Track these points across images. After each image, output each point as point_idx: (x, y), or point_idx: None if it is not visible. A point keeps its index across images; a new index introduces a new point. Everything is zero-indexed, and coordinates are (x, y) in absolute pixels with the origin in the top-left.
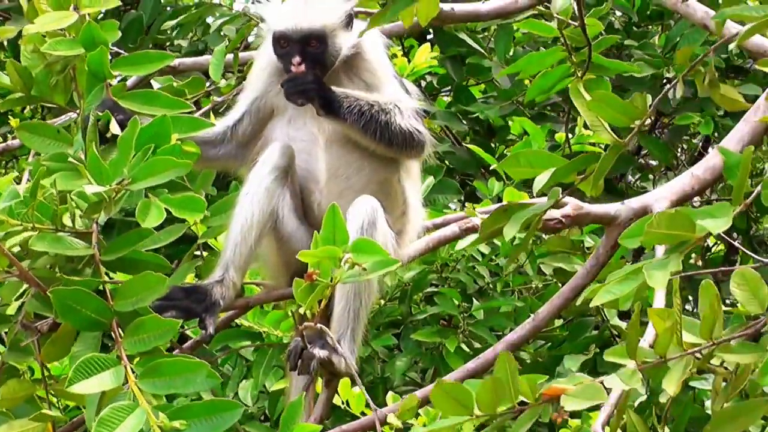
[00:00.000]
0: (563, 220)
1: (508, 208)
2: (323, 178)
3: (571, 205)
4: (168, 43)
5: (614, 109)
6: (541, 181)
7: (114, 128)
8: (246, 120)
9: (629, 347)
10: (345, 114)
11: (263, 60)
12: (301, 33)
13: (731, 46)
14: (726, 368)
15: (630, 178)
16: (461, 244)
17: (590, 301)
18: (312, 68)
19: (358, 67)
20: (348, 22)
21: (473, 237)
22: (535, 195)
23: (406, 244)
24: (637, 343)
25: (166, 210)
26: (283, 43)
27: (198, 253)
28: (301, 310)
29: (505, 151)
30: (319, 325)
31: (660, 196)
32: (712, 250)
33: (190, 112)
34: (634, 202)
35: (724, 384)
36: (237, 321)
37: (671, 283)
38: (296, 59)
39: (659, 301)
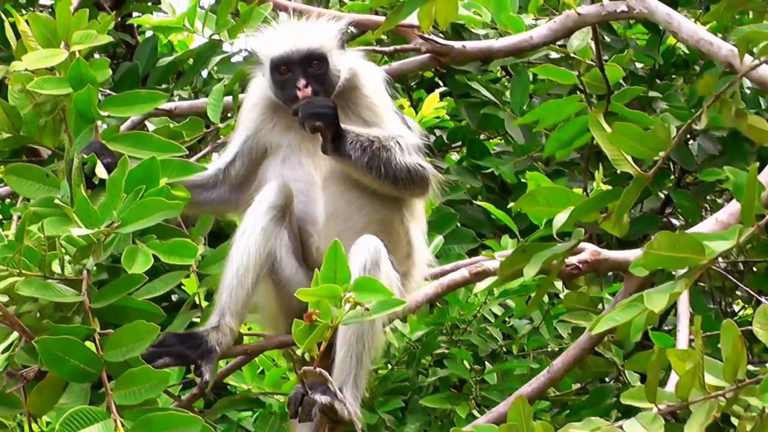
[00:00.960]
0: (580, 266)
1: (527, 249)
2: (321, 220)
3: (589, 250)
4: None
5: (636, 141)
6: (560, 220)
7: (100, 172)
8: (238, 161)
9: (648, 390)
10: (349, 150)
11: (254, 97)
12: (302, 54)
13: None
14: (751, 413)
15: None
16: (479, 287)
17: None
18: (317, 91)
19: (356, 104)
20: (342, 42)
21: (490, 280)
22: (554, 235)
23: (412, 288)
24: (656, 385)
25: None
26: (284, 69)
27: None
28: (299, 352)
29: (520, 210)
30: (318, 370)
31: None
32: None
33: (185, 156)
34: None
35: (749, 430)
36: (234, 383)
37: (695, 321)
38: (301, 82)
39: (682, 341)
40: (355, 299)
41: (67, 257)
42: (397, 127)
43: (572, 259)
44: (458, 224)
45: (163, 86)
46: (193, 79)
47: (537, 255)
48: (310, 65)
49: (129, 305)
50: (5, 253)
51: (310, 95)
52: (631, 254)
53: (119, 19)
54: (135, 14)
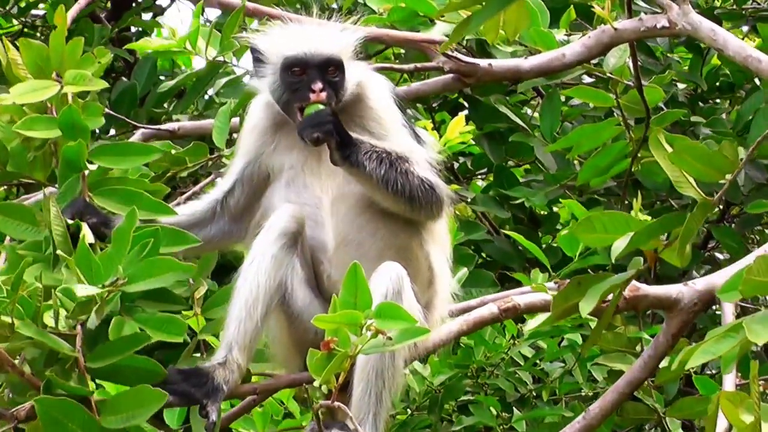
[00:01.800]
0: (618, 303)
1: (582, 282)
2: (331, 246)
3: (629, 286)
4: (164, 117)
5: (701, 162)
6: (618, 247)
7: (86, 237)
8: (238, 190)
9: None
10: (364, 160)
11: (253, 118)
12: (322, 58)
13: None
14: None
15: (695, 274)
16: (531, 324)
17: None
18: (330, 98)
19: (361, 116)
20: (356, 54)
21: (541, 318)
22: (613, 261)
23: (435, 322)
24: None
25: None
26: (298, 71)
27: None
28: (316, 384)
29: (552, 242)
30: (336, 404)
31: (729, 276)
32: None
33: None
34: (699, 283)
35: None
36: (243, 431)
37: (750, 365)
38: (317, 85)
39: (729, 382)
40: (377, 327)
41: (62, 311)
42: (406, 141)
43: (609, 295)
44: (480, 261)
45: (162, 110)
46: (195, 101)
47: (594, 288)
48: (327, 71)
49: (126, 363)
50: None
51: (324, 100)
52: (673, 290)
53: (116, 32)
54: (133, 29)
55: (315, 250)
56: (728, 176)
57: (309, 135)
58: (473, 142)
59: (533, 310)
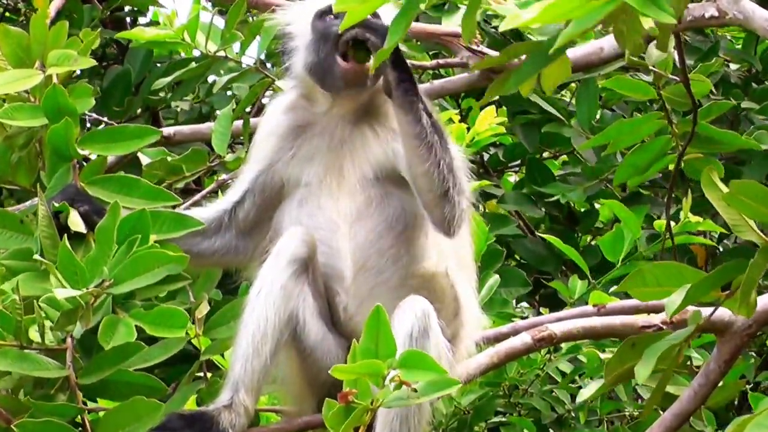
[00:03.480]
0: (664, 327)
1: (636, 343)
2: (349, 274)
3: None
4: (163, 106)
5: (760, 202)
6: (674, 302)
7: (74, 223)
8: (248, 201)
9: None
10: (418, 98)
11: (271, 122)
12: (369, 21)
13: None
14: None
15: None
16: (585, 394)
17: None
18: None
19: (386, 115)
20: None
21: (595, 384)
22: (669, 320)
23: (461, 356)
24: None
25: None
26: (333, 15)
27: (200, 373)
28: None
29: (591, 242)
30: None
31: None
32: None
33: (179, 205)
34: None
35: None
36: None
37: None
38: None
39: None
40: (401, 378)
41: (47, 323)
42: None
43: (654, 319)
44: (515, 262)
45: (160, 96)
46: (196, 86)
47: (650, 349)
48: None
49: (123, 379)
50: None
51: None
52: (725, 312)
53: (109, 13)
54: (127, 8)
55: (329, 279)
56: None
57: (360, 32)
58: (505, 132)
59: (570, 338)
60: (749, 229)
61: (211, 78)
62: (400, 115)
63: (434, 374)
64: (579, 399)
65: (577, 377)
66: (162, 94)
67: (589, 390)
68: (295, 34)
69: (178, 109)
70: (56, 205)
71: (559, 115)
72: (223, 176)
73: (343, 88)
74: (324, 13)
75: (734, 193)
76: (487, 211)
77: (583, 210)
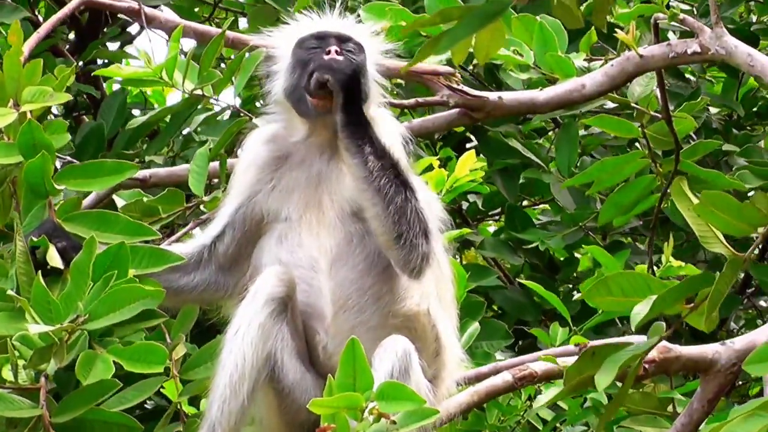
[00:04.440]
0: (646, 366)
1: (597, 352)
2: (329, 313)
3: (657, 347)
4: (137, 160)
5: (730, 214)
6: (639, 312)
7: (52, 259)
8: (228, 235)
9: None
10: (366, 140)
11: (250, 154)
12: (342, 32)
13: None
14: None
15: (733, 324)
16: (542, 400)
17: None
18: (350, 64)
19: None
20: (380, 67)
21: (552, 393)
22: (633, 330)
23: (442, 395)
24: None
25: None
26: (313, 44)
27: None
28: None
29: (572, 292)
30: None
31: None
32: None
33: (159, 240)
34: (738, 342)
35: None
36: None
37: None
38: (334, 47)
39: None
40: (380, 410)
41: (21, 361)
42: (414, 181)
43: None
44: (491, 314)
45: (134, 150)
46: (170, 140)
47: (610, 359)
48: (346, 47)
49: (98, 418)
50: None
51: (335, 56)
52: (709, 350)
53: (81, 64)
54: (100, 61)
55: (309, 317)
56: (761, 230)
57: (320, 74)
58: (483, 180)
59: (552, 377)
60: (717, 241)
61: (186, 131)
62: (347, 157)
63: (413, 404)
64: (536, 405)
65: (558, 424)
66: (137, 146)
67: (546, 396)
68: (277, 58)
69: (152, 163)
70: (34, 239)
71: (538, 161)
72: (198, 219)
73: (315, 115)
74: (304, 41)
75: (705, 203)
76: (465, 262)
77: (562, 258)
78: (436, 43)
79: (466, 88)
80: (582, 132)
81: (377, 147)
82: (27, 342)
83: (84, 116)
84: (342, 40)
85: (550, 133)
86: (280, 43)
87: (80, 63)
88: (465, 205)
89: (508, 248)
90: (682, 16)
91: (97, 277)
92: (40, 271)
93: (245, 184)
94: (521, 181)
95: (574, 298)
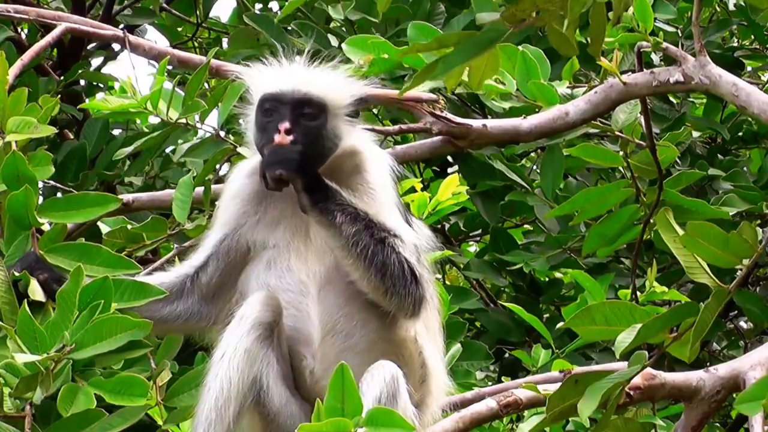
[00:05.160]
0: (631, 393)
1: (580, 380)
2: (317, 338)
3: (642, 374)
4: (117, 181)
5: (716, 246)
6: (624, 341)
7: (34, 293)
8: (212, 265)
9: None
10: (336, 211)
11: (235, 186)
12: (297, 95)
13: None
14: None
15: (715, 345)
16: (524, 429)
17: None
18: (302, 145)
19: (355, 189)
20: (355, 111)
21: (534, 421)
22: (618, 358)
23: (427, 422)
24: None
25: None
26: (270, 109)
27: None
28: None
29: (555, 311)
30: None
31: (755, 362)
32: None
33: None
34: (722, 369)
35: None
36: None
37: None
38: (284, 124)
39: None
40: None
41: (6, 389)
42: (397, 223)
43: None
44: (474, 331)
45: (114, 171)
46: (150, 161)
47: (593, 387)
48: (303, 111)
49: None
50: None
51: (286, 144)
52: (693, 377)
53: (64, 81)
54: (83, 81)
55: (296, 342)
56: (746, 261)
57: (271, 172)
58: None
59: (537, 404)
60: (703, 272)
61: (168, 149)
62: (320, 231)
63: (402, 431)
64: (522, 431)
65: None
66: (118, 167)
67: (528, 425)
68: (250, 102)
69: (132, 184)
70: (16, 273)
71: (522, 182)
72: (181, 245)
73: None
74: (264, 102)
75: (691, 234)
76: (448, 282)
77: (546, 279)
78: (431, 69)
79: (449, 116)
80: (566, 153)
81: (347, 212)
82: (12, 370)
83: (66, 130)
84: (299, 105)
85: (532, 154)
86: (252, 86)
87: (63, 84)
88: (447, 225)
89: (493, 269)
90: (665, 45)
91: (82, 309)
92: (25, 300)
93: (230, 215)
94: (503, 202)
95: (558, 326)
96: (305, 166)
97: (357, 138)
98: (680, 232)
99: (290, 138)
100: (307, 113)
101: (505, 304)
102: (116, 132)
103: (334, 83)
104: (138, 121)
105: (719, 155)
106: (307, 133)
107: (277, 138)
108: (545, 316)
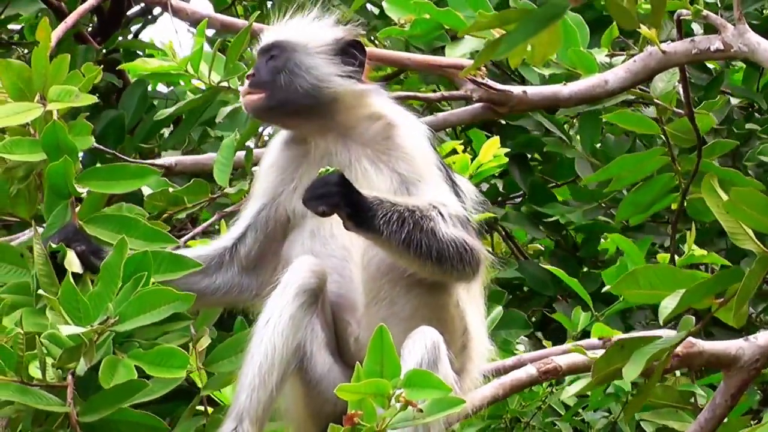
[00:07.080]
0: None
1: (626, 345)
2: (361, 305)
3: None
4: (155, 151)
5: (760, 211)
6: (668, 306)
7: (71, 265)
8: (250, 236)
9: None
10: (380, 225)
11: (272, 155)
12: (265, 45)
13: None
14: None
15: (751, 309)
16: (570, 390)
17: None
18: (267, 82)
19: (389, 155)
20: (339, 50)
21: (580, 384)
22: (662, 324)
23: (467, 388)
24: None
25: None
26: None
27: (200, 407)
28: None
29: (593, 270)
30: None
31: None
32: None
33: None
34: (761, 338)
35: None
36: None
37: None
38: (249, 72)
39: None
40: (407, 398)
41: (49, 359)
42: (438, 190)
43: None
44: (510, 297)
45: (153, 143)
46: (189, 132)
47: (639, 352)
48: (269, 56)
49: (123, 418)
50: None
51: (247, 90)
52: (732, 345)
53: (104, 52)
54: (122, 51)
55: (340, 309)
56: None
57: (314, 208)
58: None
59: (576, 371)
60: (747, 238)
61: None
62: (366, 239)
63: (440, 393)
64: (563, 396)
65: (580, 410)
66: (156, 139)
67: (574, 387)
68: None
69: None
70: (53, 245)
71: (562, 135)
72: (221, 211)
73: None
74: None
75: (734, 201)
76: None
77: (584, 239)
78: (495, 46)
79: (490, 82)
80: (603, 119)
81: (392, 221)
82: (54, 340)
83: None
84: (265, 52)
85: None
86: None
87: (103, 52)
88: (486, 186)
89: (529, 222)
90: (705, 12)
91: (124, 281)
92: (69, 272)
93: (267, 184)
94: (538, 161)
95: (603, 290)
96: (345, 191)
97: (378, 101)
98: (724, 197)
99: (248, 83)
100: (273, 56)
101: (544, 266)
102: (156, 103)
103: (303, 26)
104: (178, 89)
105: (756, 119)
106: (270, 71)
107: (241, 90)
108: (582, 271)
